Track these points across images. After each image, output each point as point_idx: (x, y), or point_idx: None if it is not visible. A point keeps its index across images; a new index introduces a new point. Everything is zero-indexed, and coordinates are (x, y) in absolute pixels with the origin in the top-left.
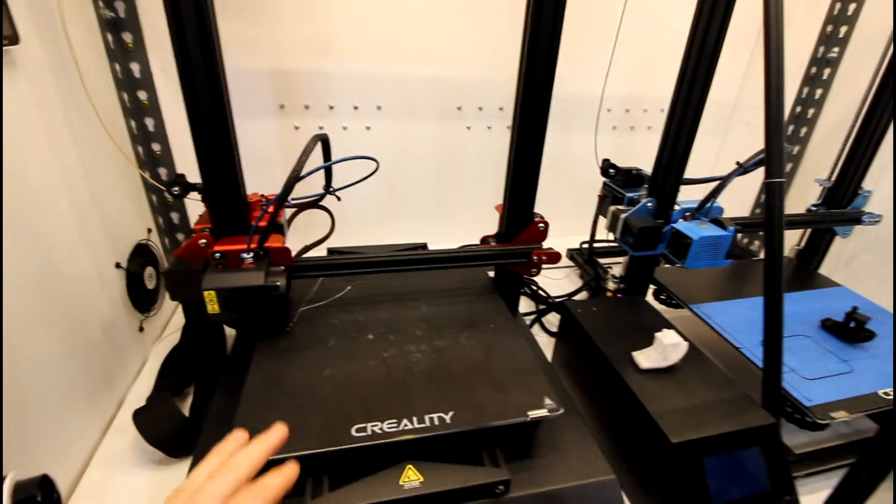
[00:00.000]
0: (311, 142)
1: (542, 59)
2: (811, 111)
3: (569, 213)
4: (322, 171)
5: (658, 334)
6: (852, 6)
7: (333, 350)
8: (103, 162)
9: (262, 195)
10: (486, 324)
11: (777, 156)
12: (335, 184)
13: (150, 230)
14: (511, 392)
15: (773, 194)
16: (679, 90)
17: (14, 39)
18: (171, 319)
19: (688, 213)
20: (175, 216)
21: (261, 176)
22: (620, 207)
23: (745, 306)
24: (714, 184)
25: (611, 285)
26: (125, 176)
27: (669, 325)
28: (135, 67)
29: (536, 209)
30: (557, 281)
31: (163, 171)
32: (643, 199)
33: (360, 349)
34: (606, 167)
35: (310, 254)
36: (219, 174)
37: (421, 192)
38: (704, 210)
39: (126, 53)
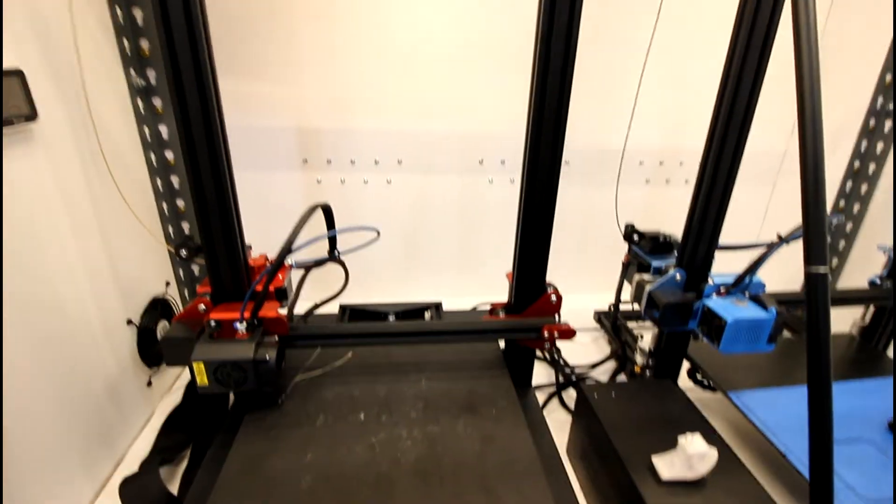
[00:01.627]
0: (307, 211)
1: (551, 113)
2: (871, 166)
3: (599, 267)
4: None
5: (682, 440)
6: None
7: (321, 431)
8: (123, 222)
9: (269, 259)
10: (488, 407)
11: (818, 241)
12: (353, 242)
13: (168, 283)
14: (503, 499)
15: (815, 287)
16: (710, 145)
17: (32, 116)
18: (182, 372)
19: (723, 288)
20: (196, 268)
21: (283, 228)
22: (646, 277)
23: (796, 397)
24: (756, 251)
25: (639, 359)
26: (146, 232)
27: (700, 421)
28: (163, 130)
29: (564, 264)
30: (584, 346)
31: (186, 226)
32: (671, 270)
33: (349, 431)
34: (630, 233)
35: (321, 310)
36: (218, 238)
37: (442, 245)
38: (742, 285)
39: (155, 117)
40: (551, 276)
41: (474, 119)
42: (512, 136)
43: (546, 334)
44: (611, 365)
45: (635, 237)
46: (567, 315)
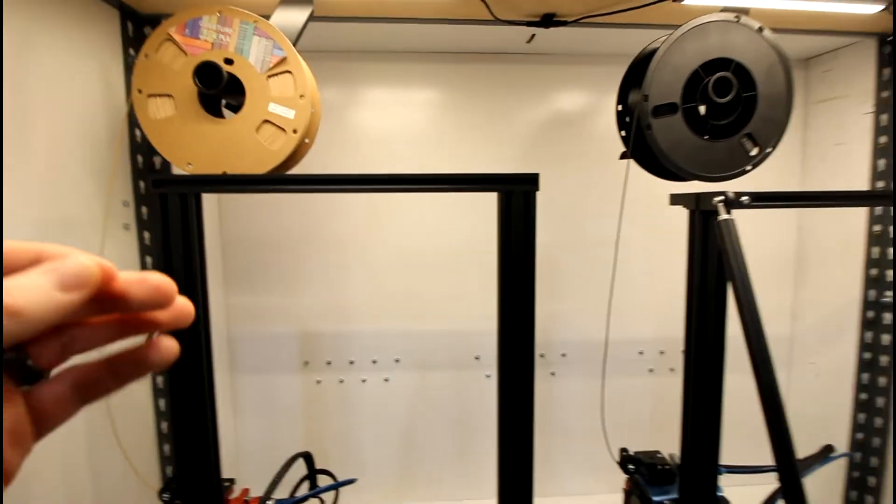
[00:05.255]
0: (287, 462)
1: (519, 327)
2: (883, 358)
3: (611, 464)
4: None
5: None
6: (890, 250)
7: None
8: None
9: (246, 499)
10: None
11: None
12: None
13: None
14: None
15: None
16: (689, 349)
17: None
18: None
19: None
20: None
21: (282, 429)
22: None
23: None
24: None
25: None
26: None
27: None
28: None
29: (572, 459)
30: None
31: None
32: None
33: None
34: (625, 461)
35: None
36: (195, 484)
37: (439, 442)
38: None
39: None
40: (558, 475)
41: (468, 318)
42: None
43: None
44: None
45: (630, 467)
46: None
